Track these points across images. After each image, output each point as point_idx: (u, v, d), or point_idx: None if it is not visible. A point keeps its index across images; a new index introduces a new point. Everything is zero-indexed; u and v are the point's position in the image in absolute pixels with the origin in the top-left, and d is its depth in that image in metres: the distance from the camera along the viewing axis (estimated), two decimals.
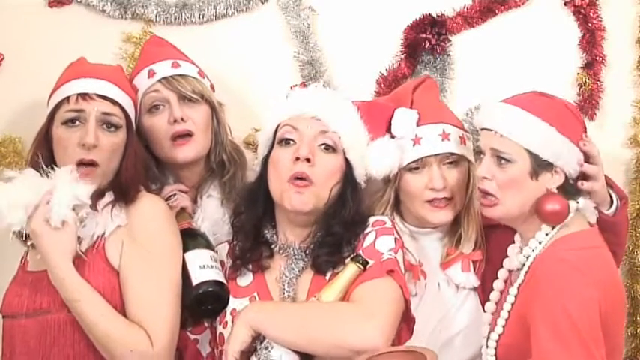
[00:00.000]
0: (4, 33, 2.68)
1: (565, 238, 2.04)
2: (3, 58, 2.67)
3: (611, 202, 2.17)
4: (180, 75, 2.35)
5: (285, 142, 2.14)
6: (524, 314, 2.00)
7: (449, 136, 2.29)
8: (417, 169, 2.29)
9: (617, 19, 2.67)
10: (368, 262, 2.05)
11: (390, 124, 2.31)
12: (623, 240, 2.27)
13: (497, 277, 2.19)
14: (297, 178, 2.10)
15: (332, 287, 2.03)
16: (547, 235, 2.05)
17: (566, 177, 2.06)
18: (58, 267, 2.03)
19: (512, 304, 2.07)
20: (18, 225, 2.05)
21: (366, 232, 2.14)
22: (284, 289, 2.10)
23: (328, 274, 2.10)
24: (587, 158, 2.08)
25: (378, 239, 2.11)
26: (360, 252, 2.09)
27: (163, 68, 2.35)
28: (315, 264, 2.11)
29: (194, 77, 2.37)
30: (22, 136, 2.61)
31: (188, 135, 2.32)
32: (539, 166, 2.04)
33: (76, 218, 2.05)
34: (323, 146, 2.14)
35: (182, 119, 2.30)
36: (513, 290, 2.08)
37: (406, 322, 2.07)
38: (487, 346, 2.13)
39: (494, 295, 2.19)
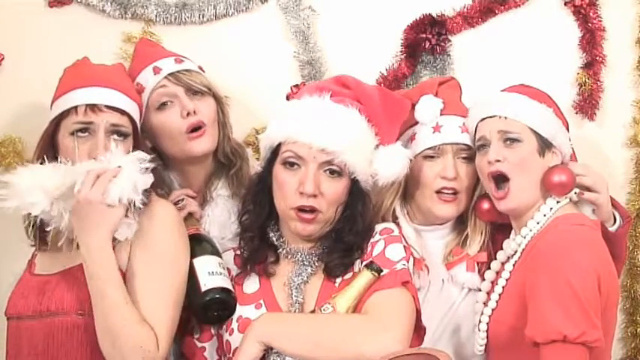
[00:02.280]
0: (4, 33, 2.68)
1: (564, 216, 2.12)
2: (3, 58, 2.66)
3: (614, 221, 2.24)
4: (185, 70, 2.35)
5: (290, 164, 2.09)
6: (520, 287, 2.03)
7: (468, 130, 2.29)
8: (432, 156, 2.29)
9: (617, 19, 2.67)
10: (382, 270, 2.02)
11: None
12: (622, 257, 2.31)
13: (489, 268, 2.23)
14: (303, 210, 2.07)
15: (346, 294, 2.01)
16: (545, 215, 2.12)
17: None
18: (98, 241, 1.97)
19: (507, 280, 2.12)
20: (39, 207, 1.99)
21: (374, 240, 2.12)
22: (292, 294, 2.07)
23: (338, 281, 2.08)
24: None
25: (388, 247, 2.09)
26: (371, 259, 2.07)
27: (168, 64, 2.35)
28: (327, 268, 2.09)
29: (197, 72, 2.38)
30: (22, 136, 2.61)
31: (201, 127, 2.31)
32: (544, 143, 2.13)
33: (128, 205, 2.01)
34: (328, 171, 2.08)
35: (194, 112, 2.30)
36: (509, 266, 2.13)
37: (416, 331, 2.05)
38: (480, 322, 2.16)
39: (485, 286, 2.21)
